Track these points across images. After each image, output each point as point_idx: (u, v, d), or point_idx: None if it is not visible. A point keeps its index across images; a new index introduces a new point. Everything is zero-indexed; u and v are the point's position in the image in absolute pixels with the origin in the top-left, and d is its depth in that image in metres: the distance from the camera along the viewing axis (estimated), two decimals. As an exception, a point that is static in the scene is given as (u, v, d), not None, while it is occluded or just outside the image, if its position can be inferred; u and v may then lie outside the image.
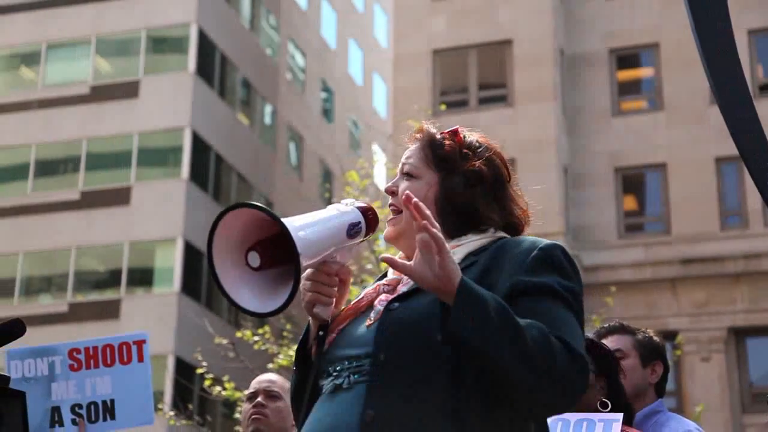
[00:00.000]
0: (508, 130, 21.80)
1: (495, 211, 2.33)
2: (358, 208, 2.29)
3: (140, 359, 4.12)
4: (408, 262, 2.06)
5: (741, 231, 21.67)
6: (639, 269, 21.70)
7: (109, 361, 4.12)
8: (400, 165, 2.41)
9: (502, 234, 2.32)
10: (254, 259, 2.09)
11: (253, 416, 4.07)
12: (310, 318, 2.31)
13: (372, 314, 2.24)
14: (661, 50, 23.08)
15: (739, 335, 21.24)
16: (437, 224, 2.05)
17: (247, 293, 2.11)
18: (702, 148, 22.00)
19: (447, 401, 2.08)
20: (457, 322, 2.01)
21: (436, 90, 23.77)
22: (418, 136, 2.40)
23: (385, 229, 2.39)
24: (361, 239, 2.30)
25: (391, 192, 2.38)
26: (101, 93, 27.39)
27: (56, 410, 4.08)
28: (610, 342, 3.80)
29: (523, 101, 22.74)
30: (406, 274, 2.07)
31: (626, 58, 23.93)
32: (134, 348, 4.12)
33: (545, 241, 2.24)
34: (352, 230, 2.24)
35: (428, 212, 2.04)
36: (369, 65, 38.39)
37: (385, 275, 2.41)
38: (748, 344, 21.16)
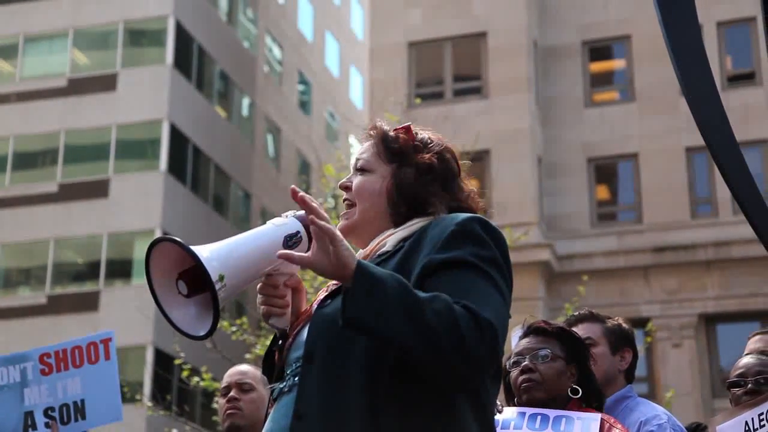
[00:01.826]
0: (483, 122, 22.03)
1: (444, 200, 2.38)
2: (298, 217, 2.30)
3: (107, 357, 4.17)
4: (305, 254, 2.11)
5: (711, 219, 21.91)
6: (612, 257, 21.92)
7: (78, 362, 4.15)
8: (353, 161, 2.48)
9: (442, 217, 2.35)
10: (183, 287, 2.20)
11: (228, 411, 4.09)
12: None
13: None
14: (633, 42, 23.33)
15: (710, 322, 21.48)
16: (325, 215, 2.11)
17: (183, 317, 2.21)
18: (673, 138, 22.26)
19: (363, 395, 2.10)
20: (351, 306, 2.04)
21: (412, 82, 23.94)
22: (371, 132, 2.46)
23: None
24: (308, 247, 2.28)
25: (345, 188, 2.43)
26: (79, 86, 27.39)
27: (29, 415, 4.13)
28: (579, 330, 3.83)
29: (498, 93, 22.93)
30: (304, 266, 2.12)
31: (599, 50, 24.15)
32: (101, 347, 4.17)
33: (463, 216, 2.26)
34: (290, 241, 2.26)
35: (315, 205, 2.11)
36: (346, 57, 38.51)
37: None
38: (718, 330, 21.39)
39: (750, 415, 3.05)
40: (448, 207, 2.37)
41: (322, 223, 2.08)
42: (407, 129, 2.45)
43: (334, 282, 2.28)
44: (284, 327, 2.33)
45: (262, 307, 2.31)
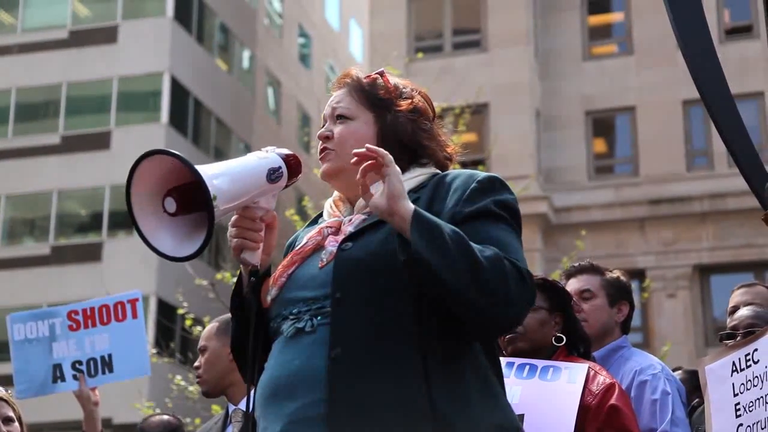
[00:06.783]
0: (483, 75, 22.10)
1: (434, 144, 2.41)
2: (279, 154, 2.30)
3: (134, 316, 4.40)
4: (370, 194, 2.13)
5: (707, 172, 22.03)
6: (609, 210, 22.08)
7: (105, 320, 4.38)
8: (328, 110, 2.43)
9: (436, 170, 2.39)
10: (170, 205, 2.12)
11: (197, 381, 4.28)
12: (241, 266, 2.32)
13: (323, 255, 2.26)
14: (632, -5, 23.39)
15: (704, 272, 21.70)
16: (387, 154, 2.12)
17: (165, 237, 2.13)
18: (670, 91, 22.32)
19: (412, 333, 2.13)
20: (417, 246, 2.05)
21: (412, 35, 23.97)
22: (347, 80, 2.44)
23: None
24: (285, 184, 2.32)
25: (325, 137, 2.39)
26: (80, 38, 27.43)
27: (58, 367, 4.36)
28: (579, 281, 3.93)
29: (497, 45, 22.97)
30: (369, 204, 2.14)
31: (598, 3, 24.10)
32: (128, 306, 4.41)
33: (482, 174, 2.30)
34: (273, 175, 2.26)
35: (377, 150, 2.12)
36: (346, 10, 38.44)
37: (316, 220, 2.47)
38: (712, 281, 21.61)
39: (738, 355, 3.14)
40: (440, 154, 2.41)
41: (389, 159, 2.11)
42: (382, 74, 2.44)
43: (328, 224, 2.34)
44: (255, 263, 2.28)
45: (235, 240, 2.26)
